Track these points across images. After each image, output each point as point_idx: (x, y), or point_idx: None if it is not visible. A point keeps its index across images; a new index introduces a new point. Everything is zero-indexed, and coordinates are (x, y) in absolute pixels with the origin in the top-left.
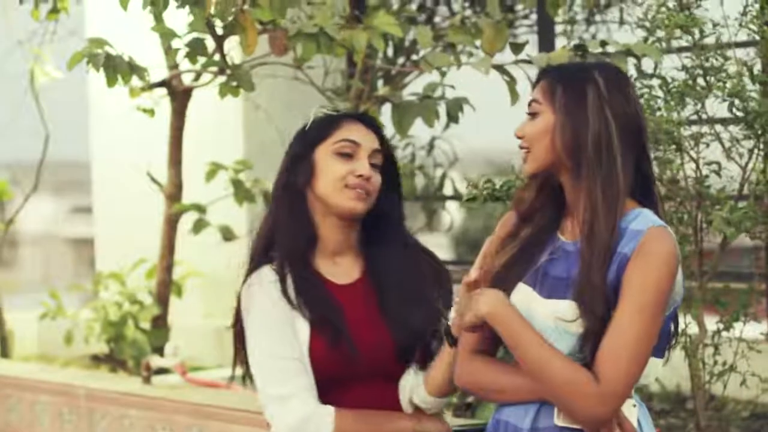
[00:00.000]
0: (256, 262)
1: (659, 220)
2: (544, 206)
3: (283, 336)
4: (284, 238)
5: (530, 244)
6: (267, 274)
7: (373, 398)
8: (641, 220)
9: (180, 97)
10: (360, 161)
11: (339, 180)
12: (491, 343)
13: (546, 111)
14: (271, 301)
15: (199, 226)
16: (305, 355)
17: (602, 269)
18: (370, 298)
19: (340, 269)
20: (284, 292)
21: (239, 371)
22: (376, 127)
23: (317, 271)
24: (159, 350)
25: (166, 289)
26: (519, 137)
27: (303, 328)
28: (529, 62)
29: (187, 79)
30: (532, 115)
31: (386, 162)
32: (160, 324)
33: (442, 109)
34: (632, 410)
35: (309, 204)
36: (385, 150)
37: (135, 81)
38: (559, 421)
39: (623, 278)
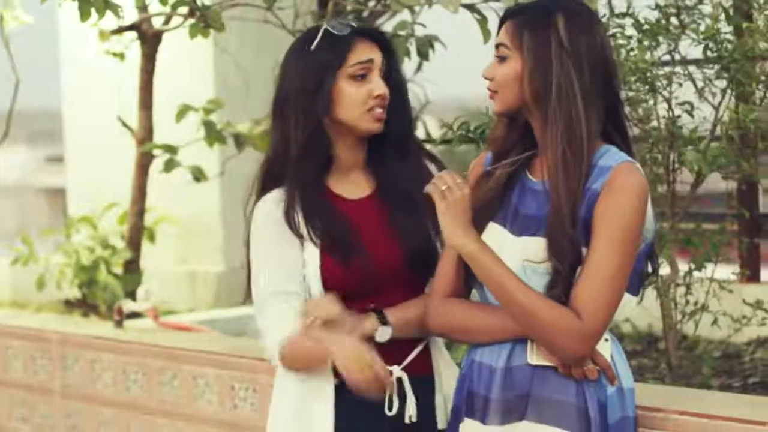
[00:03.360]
0: (265, 188)
1: (627, 156)
2: (516, 145)
3: (280, 266)
4: (301, 164)
5: (502, 183)
6: (275, 199)
7: (398, 301)
8: (609, 156)
9: (150, 40)
10: (374, 80)
11: (361, 105)
12: (463, 286)
13: (514, 56)
14: (275, 228)
15: (170, 166)
16: (313, 276)
17: (573, 210)
18: (381, 211)
19: (353, 185)
20: (290, 222)
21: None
22: (380, 38)
23: (330, 189)
24: (131, 295)
25: (138, 233)
26: (488, 79)
27: (312, 251)
28: (497, 0)
29: (156, 23)
30: (501, 58)
31: (390, 70)
32: (133, 268)
33: (412, 48)
34: (605, 345)
35: (326, 127)
36: (389, 57)
37: (106, 23)
38: (532, 360)
39: (594, 214)
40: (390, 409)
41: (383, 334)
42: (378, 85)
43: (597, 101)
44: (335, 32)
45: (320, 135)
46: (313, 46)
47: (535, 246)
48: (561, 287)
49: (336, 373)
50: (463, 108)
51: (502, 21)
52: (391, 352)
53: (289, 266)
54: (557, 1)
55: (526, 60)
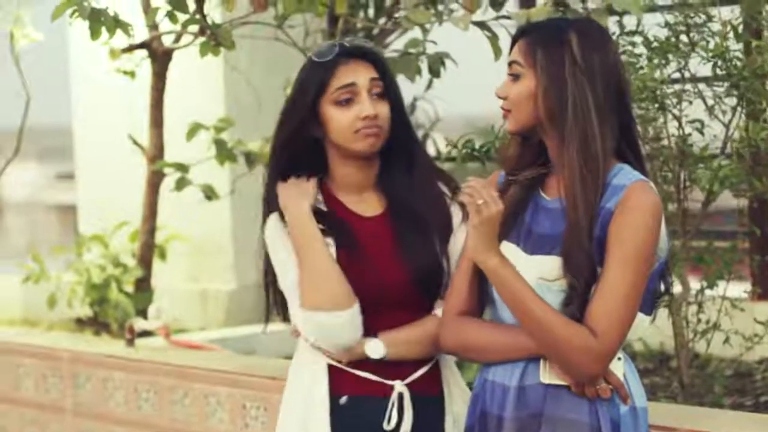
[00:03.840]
0: (273, 205)
1: (640, 175)
2: (530, 164)
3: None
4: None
5: (515, 202)
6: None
7: (404, 323)
8: (623, 175)
9: (160, 59)
10: (361, 102)
11: (347, 129)
12: (477, 304)
13: (528, 74)
14: (279, 232)
15: (181, 184)
16: None
17: (588, 229)
18: (392, 230)
19: (365, 204)
20: None
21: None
22: (370, 54)
23: (345, 206)
24: (142, 313)
25: (149, 251)
26: (501, 98)
27: None
28: (508, 18)
29: (167, 41)
30: (514, 77)
31: (387, 84)
32: (144, 287)
33: (424, 65)
34: (618, 364)
35: (327, 148)
36: (383, 74)
37: (117, 41)
38: (545, 379)
39: (608, 233)
40: (389, 423)
41: (375, 350)
42: (364, 107)
43: (611, 118)
44: (317, 59)
45: (303, 158)
46: (303, 77)
47: (549, 264)
48: (576, 304)
49: (336, 391)
50: (471, 125)
51: (515, 39)
52: (399, 371)
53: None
54: (569, 19)
55: (540, 78)
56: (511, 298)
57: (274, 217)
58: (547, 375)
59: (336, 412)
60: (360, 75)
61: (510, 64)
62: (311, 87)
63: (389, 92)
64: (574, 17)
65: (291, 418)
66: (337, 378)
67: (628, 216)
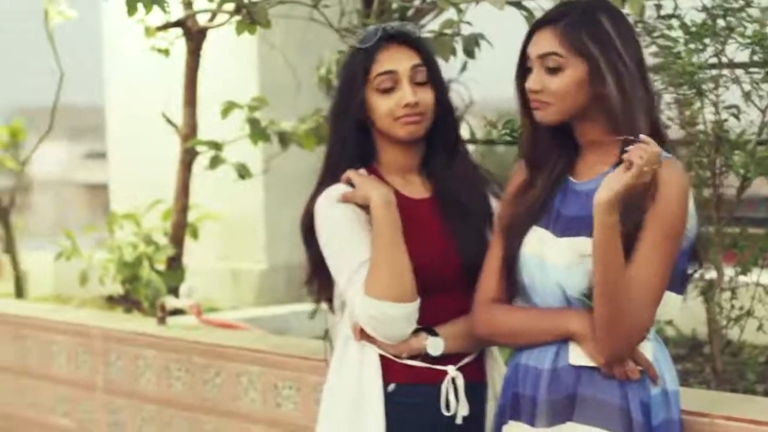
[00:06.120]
0: (323, 183)
1: (666, 153)
2: (556, 151)
3: (362, 240)
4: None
5: (544, 190)
6: (339, 189)
7: (450, 307)
8: None
9: (195, 37)
10: (402, 89)
11: (388, 116)
12: (507, 292)
13: (573, 62)
14: (343, 211)
15: (215, 162)
16: None
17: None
18: (438, 215)
19: (411, 187)
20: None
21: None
22: (413, 39)
23: (393, 187)
24: (174, 291)
25: (181, 230)
26: (536, 91)
27: None
28: None
29: (202, 20)
30: (552, 69)
31: (431, 70)
32: (175, 265)
33: (458, 46)
34: (646, 344)
35: (374, 133)
36: (427, 59)
37: (152, 18)
38: (573, 361)
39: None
40: (448, 409)
41: (435, 347)
42: (405, 95)
43: (646, 95)
44: (360, 45)
45: (354, 143)
46: (347, 63)
47: (577, 245)
48: None
49: (388, 379)
50: (498, 109)
51: (534, 30)
52: (449, 357)
53: (367, 240)
54: (589, 2)
55: (588, 64)
56: (604, 258)
57: (335, 197)
58: (575, 357)
59: (387, 400)
60: (401, 62)
61: (543, 56)
62: (356, 74)
63: (433, 78)
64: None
65: (340, 408)
66: (387, 366)
67: (659, 194)
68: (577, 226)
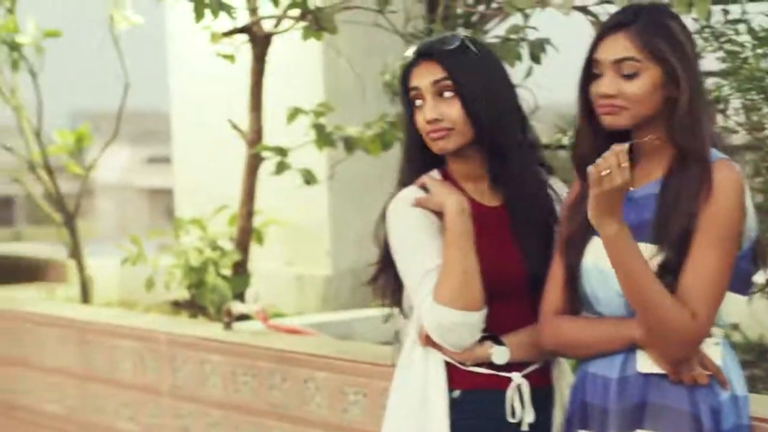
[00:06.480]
0: (402, 183)
1: (720, 153)
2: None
3: (432, 247)
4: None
5: None
6: (413, 192)
7: (513, 316)
8: None
9: (260, 43)
10: (424, 106)
11: (423, 131)
12: (572, 302)
13: (649, 68)
14: (416, 216)
15: (281, 168)
16: None
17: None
18: (508, 223)
19: (484, 193)
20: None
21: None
22: (436, 53)
23: (467, 193)
24: (239, 297)
25: (246, 235)
26: (610, 96)
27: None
28: (610, 2)
29: (267, 26)
30: (630, 74)
31: (456, 81)
32: (241, 270)
33: (524, 52)
34: (716, 349)
35: None
36: (452, 71)
37: (217, 24)
38: (642, 368)
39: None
40: (513, 416)
41: (500, 356)
42: (426, 111)
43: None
44: (403, 62)
45: (419, 151)
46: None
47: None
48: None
49: (453, 385)
50: (564, 114)
51: (603, 35)
52: (514, 364)
53: (439, 246)
54: (656, 7)
55: (664, 69)
56: (623, 269)
57: (409, 201)
58: (644, 364)
59: (451, 406)
60: (423, 77)
61: (619, 61)
62: (402, 90)
63: (460, 91)
64: (650, 3)
65: (404, 415)
66: (451, 373)
67: (714, 195)
68: (633, 233)
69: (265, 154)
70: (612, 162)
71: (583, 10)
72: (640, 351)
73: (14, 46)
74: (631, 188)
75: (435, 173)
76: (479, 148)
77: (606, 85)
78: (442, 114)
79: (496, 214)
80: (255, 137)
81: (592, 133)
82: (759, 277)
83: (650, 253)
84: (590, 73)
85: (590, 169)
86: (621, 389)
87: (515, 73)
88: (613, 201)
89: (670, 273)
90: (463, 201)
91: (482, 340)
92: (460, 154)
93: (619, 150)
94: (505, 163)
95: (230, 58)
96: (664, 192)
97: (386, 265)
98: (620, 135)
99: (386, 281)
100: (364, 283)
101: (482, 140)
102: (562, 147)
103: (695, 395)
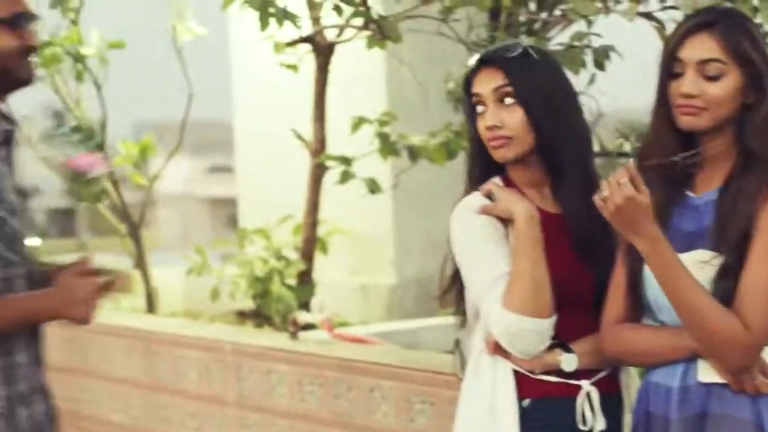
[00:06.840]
0: (468, 189)
1: None
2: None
3: (499, 253)
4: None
5: (661, 205)
6: (478, 199)
7: (578, 323)
8: None
9: (324, 52)
10: (486, 112)
11: (484, 139)
12: (634, 310)
13: (732, 70)
14: (483, 222)
15: (345, 177)
16: None
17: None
18: (570, 231)
19: (547, 200)
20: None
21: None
22: (498, 59)
23: (530, 199)
24: (305, 306)
25: (311, 245)
26: (693, 96)
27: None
28: (675, 8)
29: (330, 35)
30: (714, 76)
31: (517, 88)
32: (306, 280)
33: (588, 58)
34: None
35: None
36: (514, 78)
37: (281, 34)
38: (702, 378)
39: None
40: (584, 423)
41: (569, 363)
42: (486, 118)
43: None
44: (467, 70)
45: (480, 158)
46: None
47: (694, 257)
48: (724, 288)
49: (522, 394)
50: (627, 121)
51: (686, 34)
52: (583, 371)
53: (506, 253)
54: (735, 10)
55: (747, 73)
56: (665, 284)
57: (474, 207)
58: (704, 374)
59: (522, 416)
60: (484, 84)
61: (704, 62)
62: (465, 97)
63: (521, 98)
64: (724, 6)
65: (474, 425)
66: (520, 381)
67: None
68: (694, 239)
69: (329, 163)
70: (612, 182)
71: (647, 16)
72: (701, 360)
73: (78, 58)
74: (693, 195)
75: (497, 180)
76: (540, 156)
77: (687, 84)
78: (503, 121)
79: (559, 221)
80: (319, 147)
81: (666, 131)
82: None
83: (708, 258)
84: (670, 71)
85: (594, 198)
86: (682, 399)
87: (579, 80)
88: (633, 220)
89: (730, 277)
90: (532, 208)
91: (551, 347)
92: (520, 162)
93: (619, 169)
94: (566, 170)
95: (293, 67)
96: (723, 196)
97: (456, 272)
98: (686, 138)
99: (456, 288)
100: (435, 295)
101: (543, 148)
102: (624, 154)
103: (758, 404)
